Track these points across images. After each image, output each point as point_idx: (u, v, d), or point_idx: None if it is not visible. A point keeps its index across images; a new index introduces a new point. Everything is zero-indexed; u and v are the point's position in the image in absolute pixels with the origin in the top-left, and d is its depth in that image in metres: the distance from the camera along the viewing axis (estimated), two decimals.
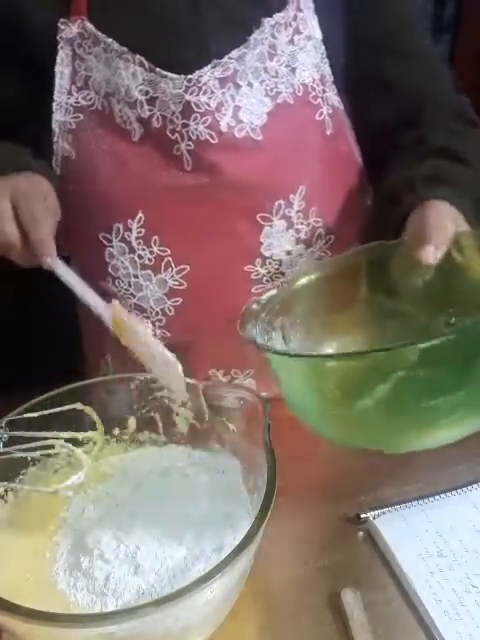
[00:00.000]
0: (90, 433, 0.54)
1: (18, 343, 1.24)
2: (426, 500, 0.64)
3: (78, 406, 0.53)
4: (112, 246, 0.72)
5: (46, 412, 0.53)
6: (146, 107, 0.67)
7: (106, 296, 0.72)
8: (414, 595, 0.54)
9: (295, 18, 0.69)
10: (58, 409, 0.53)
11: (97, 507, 0.54)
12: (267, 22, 0.66)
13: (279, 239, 0.72)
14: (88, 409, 0.54)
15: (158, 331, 0.76)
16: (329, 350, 0.63)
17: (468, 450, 0.71)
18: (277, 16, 0.67)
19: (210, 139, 0.67)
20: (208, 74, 0.66)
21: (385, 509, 0.62)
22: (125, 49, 0.66)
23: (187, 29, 0.67)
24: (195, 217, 0.70)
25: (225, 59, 0.66)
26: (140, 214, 0.70)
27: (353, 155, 0.77)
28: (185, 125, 0.67)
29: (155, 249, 0.71)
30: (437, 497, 0.64)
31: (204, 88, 0.66)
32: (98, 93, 0.69)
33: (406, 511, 0.62)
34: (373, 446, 0.56)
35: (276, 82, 0.69)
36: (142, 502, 0.52)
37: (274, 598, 0.55)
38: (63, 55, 0.68)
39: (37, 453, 0.52)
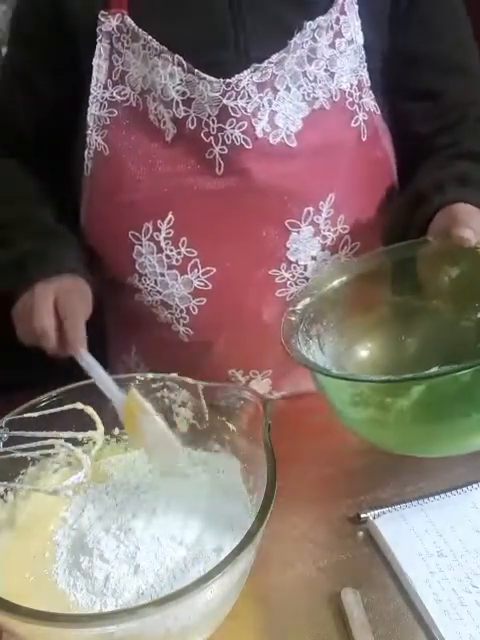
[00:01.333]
0: (90, 433, 0.54)
1: (18, 343, 1.23)
2: (426, 500, 0.64)
3: (78, 406, 0.53)
4: (141, 244, 0.72)
5: (46, 412, 0.53)
6: (182, 107, 0.66)
7: (132, 291, 0.76)
8: (414, 595, 0.54)
9: (337, 21, 0.67)
10: (58, 409, 0.53)
11: (97, 507, 0.54)
12: (308, 25, 0.65)
13: (305, 245, 0.72)
14: (88, 409, 0.54)
15: (182, 328, 0.76)
16: (363, 351, 0.65)
17: None
18: (319, 19, 0.66)
19: (245, 144, 0.66)
20: (247, 78, 0.65)
21: (385, 509, 0.62)
22: (164, 48, 0.65)
23: (228, 31, 0.66)
24: (223, 220, 0.70)
25: (265, 63, 0.65)
26: (170, 215, 0.70)
27: (388, 161, 0.76)
28: (221, 129, 0.66)
29: (183, 250, 0.71)
30: (437, 497, 0.64)
31: (242, 92, 0.65)
32: (134, 89, 0.68)
33: (406, 511, 0.62)
34: (413, 453, 0.59)
35: (314, 87, 0.68)
36: (142, 502, 0.52)
37: (274, 598, 0.54)
38: (101, 48, 0.68)
39: (37, 453, 0.52)
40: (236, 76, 0.65)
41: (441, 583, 0.55)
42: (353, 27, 0.69)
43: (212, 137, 0.66)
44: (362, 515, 0.61)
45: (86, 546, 0.50)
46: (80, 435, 0.53)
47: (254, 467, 0.52)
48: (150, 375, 0.59)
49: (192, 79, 0.65)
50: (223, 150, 0.67)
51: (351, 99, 0.70)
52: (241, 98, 0.65)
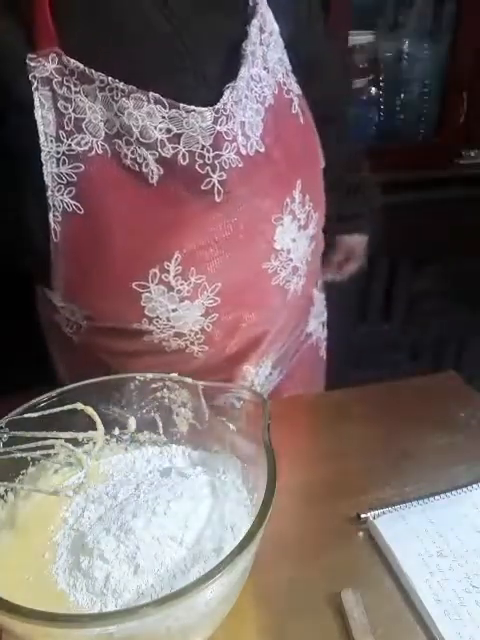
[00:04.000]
0: (90, 433, 0.54)
1: (18, 343, 1.24)
2: (426, 500, 0.64)
3: (78, 406, 0.53)
4: (150, 291, 0.68)
5: (46, 412, 0.53)
6: (169, 145, 0.62)
7: (138, 334, 0.73)
8: (414, 595, 0.54)
9: (261, 17, 0.68)
10: (58, 409, 0.53)
11: (97, 507, 0.54)
12: (251, 31, 0.65)
13: (286, 232, 0.75)
14: (88, 409, 0.54)
15: (196, 348, 0.75)
16: None
17: (468, 451, 0.72)
18: (254, 21, 0.66)
19: (238, 164, 0.66)
20: (229, 100, 0.64)
21: (385, 509, 0.62)
22: (133, 87, 0.59)
23: (179, 54, 0.62)
24: (222, 237, 0.69)
25: (237, 81, 0.64)
26: (176, 254, 0.67)
27: (315, 134, 0.80)
28: (217, 156, 0.64)
29: (193, 280, 0.69)
30: (437, 497, 0.64)
31: (229, 115, 0.64)
32: (96, 136, 0.61)
33: (406, 511, 0.62)
34: None
35: (262, 86, 0.69)
36: (142, 502, 0.52)
37: (274, 598, 0.54)
38: (41, 97, 0.59)
39: (37, 453, 0.52)
40: (221, 100, 0.63)
41: (441, 583, 0.55)
42: (269, 18, 0.70)
43: (209, 167, 0.65)
44: (362, 515, 0.61)
45: (86, 546, 0.49)
46: (80, 435, 0.53)
47: (254, 467, 0.52)
48: (150, 375, 0.59)
49: (177, 114, 0.61)
50: (221, 176, 0.65)
51: (286, 87, 0.73)
52: (229, 121, 0.64)
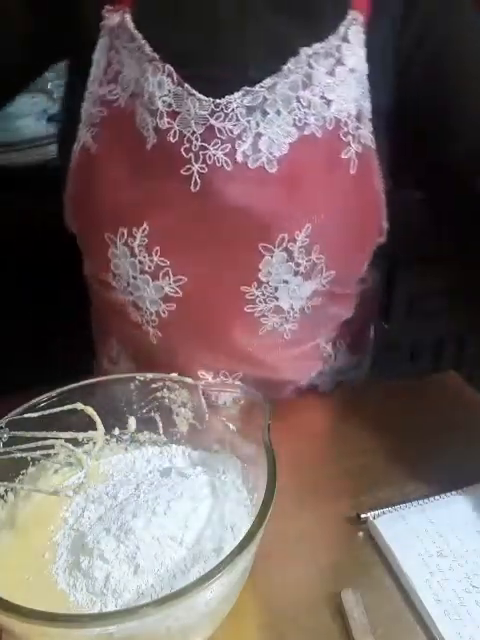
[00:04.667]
0: (90, 433, 0.54)
1: (18, 343, 1.24)
2: (426, 500, 0.64)
3: (78, 406, 0.53)
4: (116, 247, 0.71)
5: (46, 412, 0.53)
6: (166, 119, 0.64)
7: (108, 287, 0.76)
8: (414, 595, 0.54)
9: (339, 49, 0.63)
10: (58, 409, 0.53)
11: (97, 507, 0.54)
12: (304, 51, 0.62)
13: (277, 269, 0.69)
14: (88, 409, 0.54)
15: (151, 330, 0.76)
16: None
17: (468, 451, 0.72)
18: (316, 46, 0.62)
19: (225, 166, 0.64)
20: (237, 101, 0.63)
21: (385, 509, 0.62)
22: (156, 55, 0.63)
23: (230, 47, 0.64)
24: (197, 235, 0.68)
25: (256, 87, 0.63)
26: (145, 225, 0.68)
27: (376, 197, 0.72)
28: (203, 148, 0.64)
29: (156, 259, 0.70)
30: (437, 497, 0.64)
31: (231, 114, 0.63)
32: (125, 91, 0.66)
33: (406, 511, 0.62)
34: None
35: (306, 113, 0.64)
36: (142, 502, 0.52)
37: (274, 598, 0.54)
38: (102, 44, 0.66)
39: (37, 453, 0.52)
40: (226, 97, 0.63)
41: (441, 583, 0.55)
42: (357, 56, 0.64)
43: (193, 154, 0.64)
44: (362, 515, 0.61)
45: (86, 546, 0.49)
46: (80, 435, 0.53)
47: (254, 467, 0.52)
48: (150, 375, 0.59)
49: (181, 93, 0.63)
50: (202, 168, 0.65)
51: (346, 129, 0.66)
52: (229, 120, 0.63)
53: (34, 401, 0.55)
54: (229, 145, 0.64)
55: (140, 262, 0.71)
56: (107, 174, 0.69)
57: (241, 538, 0.42)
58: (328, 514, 0.63)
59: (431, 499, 0.64)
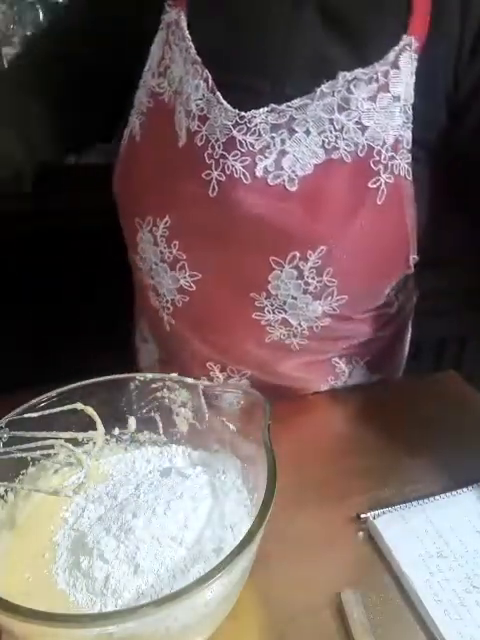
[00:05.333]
0: (90, 433, 0.53)
1: (18, 343, 1.24)
2: (426, 500, 0.64)
3: (78, 406, 0.53)
4: (143, 232, 0.74)
5: (46, 412, 0.53)
6: (196, 122, 0.66)
7: (136, 267, 0.80)
8: (414, 595, 0.54)
9: (386, 74, 0.60)
10: (58, 409, 0.53)
11: (97, 507, 0.54)
12: (342, 76, 0.60)
13: (287, 284, 0.69)
14: (88, 409, 0.54)
15: (165, 317, 0.79)
16: None
17: (468, 450, 0.72)
18: (357, 71, 0.60)
19: (243, 178, 0.65)
20: (261, 117, 0.63)
21: (385, 509, 0.62)
22: (198, 58, 0.64)
23: (274, 60, 0.63)
24: (212, 239, 0.69)
25: (283, 106, 0.62)
26: (167, 217, 0.71)
27: (403, 229, 0.68)
28: (223, 157, 0.65)
29: (174, 251, 0.72)
30: (437, 497, 0.64)
31: (253, 129, 0.63)
32: (171, 86, 0.68)
33: (406, 511, 0.62)
34: None
35: (337, 136, 0.62)
36: (142, 502, 0.52)
37: (274, 598, 0.54)
38: (160, 37, 0.69)
39: (37, 453, 0.52)
40: (251, 111, 0.63)
41: (441, 584, 0.55)
42: (405, 84, 0.61)
43: (214, 161, 0.65)
44: (362, 515, 0.61)
45: (86, 546, 0.49)
46: (80, 435, 0.53)
47: (254, 467, 0.52)
48: (149, 375, 0.59)
49: (211, 99, 0.64)
50: (221, 176, 0.65)
51: (378, 158, 0.63)
52: (251, 134, 0.63)
53: (34, 401, 0.55)
54: (249, 158, 0.64)
55: (161, 251, 0.73)
56: (144, 163, 0.72)
57: (241, 538, 0.42)
58: (328, 514, 0.63)
59: (431, 499, 0.64)
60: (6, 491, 0.53)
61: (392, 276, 0.74)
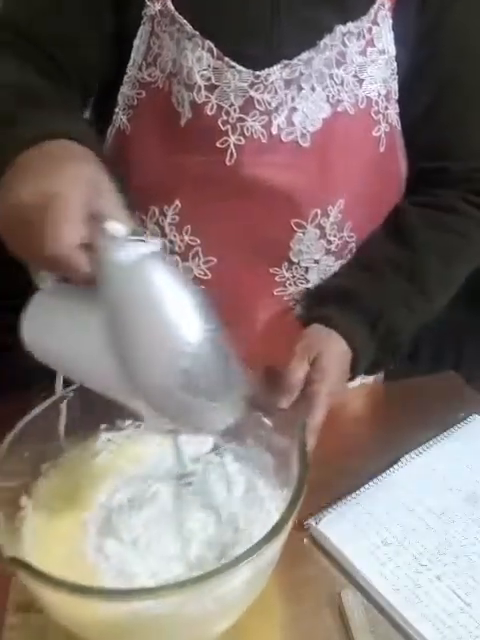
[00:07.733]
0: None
1: (18, 343, 1.23)
2: (358, 492, 0.64)
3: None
4: (146, 227, 0.72)
5: None
6: (203, 93, 0.66)
7: None
8: (372, 590, 0.55)
9: (370, 31, 0.67)
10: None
11: (130, 489, 0.54)
12: (339, 29, 0.65)
13: (309, 247, 0.71)
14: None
15: None
16: None
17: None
18: (350, 25, 0.66)
19: (262, 137, 0.66)
20: (276, 73, 0.65)
21: (324, 512, 0.62)
22: (196, 32, 0.65)
23: (264, 28, 0.66)
24: (229, 212, 0.70)
25: (295, 60, 0.65)
26: (177, 202, 0.70)
27: (399, 175, 0.75)
28: (241, 119, 0.66)
29: (186, 238, 0.71)
30: (366, 486, 0.65)
31: (270, 87, 0.65)
32: (163, 71, 0.68)
33: (343, 508, 0.62)
34: None
35: (339, 90, 0.67)
36: (175, 487, 0.53)
37: (274, 598, 0.55)
38: (143, 31, 0.68)
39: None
40: (266, 70, 0.65)
41: (394, 571, 0.56)
42: (385, 38, 0.68)
43: (230, 126, 0.67)
44: (305, 523, 0.61)
45: (117, 528, 0.50)
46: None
47: (286, 462, 0.51)
48: None
49: (220, 66, 0.65)
50: (239, 140, 0.67)
51: (377, 108, 0.69)
52: (268, 92, 0.66)
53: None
54: (266, 117, 0.66)
55: (171, 242, 0.72)
56: (140, 153, 0.70)
57: (271, 527, 0.42)
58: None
59: (362, 489, 0.64)
60: (48, 468, 0.54)
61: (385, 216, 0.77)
